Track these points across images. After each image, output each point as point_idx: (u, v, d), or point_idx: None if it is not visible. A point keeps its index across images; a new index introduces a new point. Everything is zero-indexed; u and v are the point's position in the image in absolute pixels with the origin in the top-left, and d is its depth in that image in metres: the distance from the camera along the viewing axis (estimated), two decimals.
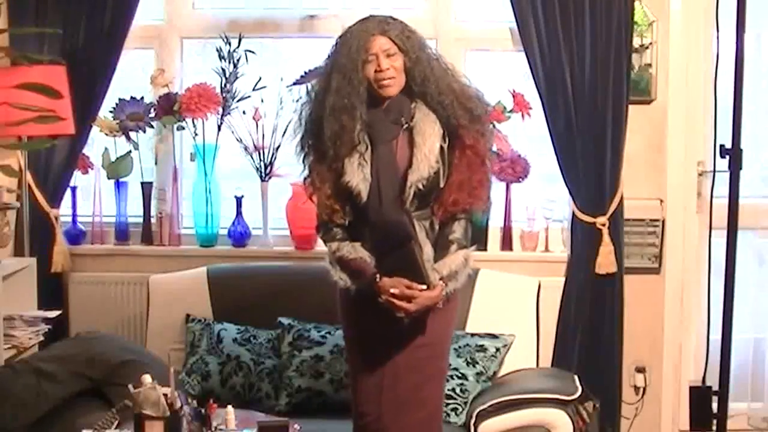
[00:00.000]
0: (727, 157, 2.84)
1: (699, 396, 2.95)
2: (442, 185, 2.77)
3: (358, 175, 2.75)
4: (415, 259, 2.67)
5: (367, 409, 2.86)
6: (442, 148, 2.77)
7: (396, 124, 2.79)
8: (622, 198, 3.93)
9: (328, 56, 2.82)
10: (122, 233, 4.20)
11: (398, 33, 2.76)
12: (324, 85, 2.80)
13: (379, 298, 2.70)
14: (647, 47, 4.00)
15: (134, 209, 4.20)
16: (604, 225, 3.90)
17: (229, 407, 2.86)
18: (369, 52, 2.73)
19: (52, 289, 4.00)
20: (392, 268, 2.70)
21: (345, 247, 2.81)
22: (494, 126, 3.96)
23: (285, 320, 3.70)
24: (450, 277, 2.76)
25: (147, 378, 2.65)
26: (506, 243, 4.12)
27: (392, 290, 2.68)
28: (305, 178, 2.89)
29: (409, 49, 2.76)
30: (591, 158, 3.90)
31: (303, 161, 2.88)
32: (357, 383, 2.91)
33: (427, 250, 2.77)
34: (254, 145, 4.07)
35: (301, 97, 2.96)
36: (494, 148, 3.94)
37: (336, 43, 2.81)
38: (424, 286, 2.68)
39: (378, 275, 2.72)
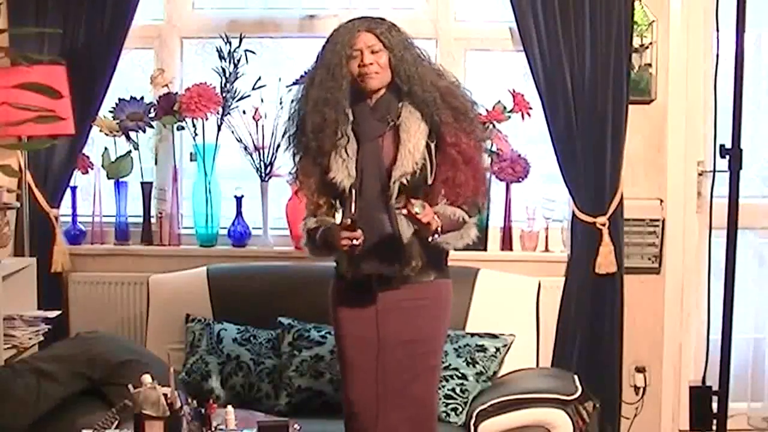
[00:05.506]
0: (727, 157, 2.83)
1: (699, 396, 2.94)
2: (429, 182, 2.78)
3: (342, 172, 2.79)
4: (390, 255, 2.74)
5: (357, 408, 2.86)
6: (429, 145, 2.78)
7: (382, 122, 2.81)
8: (622, 198, 3.93)
9: (318, 54, 2.85)
10: (122, 233, 4.20)
11: (384, 31, 2.78)
12: (309, 80, 2.84)
13: (338, 245, 2.69)
14: (647, 47, 4.00)
15: (134, 209, 4.20)
16: (604, 225, 3.90)
17: (229, 407, 2.87)
18: (354, 47, 2.76)
19: (52, 289, 4.00)
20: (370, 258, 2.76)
21: (311, 221, 2.87)
22: (494, 126, 3.98)
23: (285, 320, 3.70)
24: (444, 217, 2.70)
25: (147, 378, 2.65)
26: (506, 243, 4.12)
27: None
28: (291, 173, 2.94)
29: (395, 46, 2.77)
30: (591, 158, 3.90)
31: (292, 157, 2.92)
32: (346, 381, 2.91)
33: (407, 234, 2.74)
34: (254, 145, 4.07)
35: (297, 96, 2.97)
36: (493, 148, 3.96)
37: (325, 41, 2.84)
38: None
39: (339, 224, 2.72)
